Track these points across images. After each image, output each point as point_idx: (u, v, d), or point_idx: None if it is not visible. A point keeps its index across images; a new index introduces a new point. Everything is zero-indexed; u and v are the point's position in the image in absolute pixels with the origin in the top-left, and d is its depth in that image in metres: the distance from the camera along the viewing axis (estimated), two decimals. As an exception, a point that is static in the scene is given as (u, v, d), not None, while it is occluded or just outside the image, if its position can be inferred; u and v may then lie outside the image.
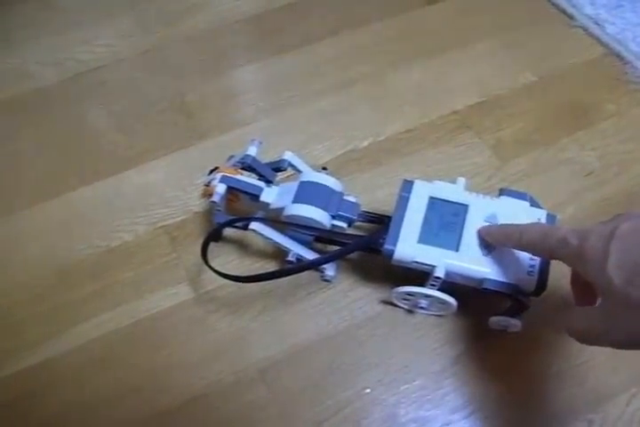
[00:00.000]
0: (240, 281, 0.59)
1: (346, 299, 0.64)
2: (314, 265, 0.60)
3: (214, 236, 0.61)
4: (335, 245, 0.63)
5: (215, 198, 0.58)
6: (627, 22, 0.84)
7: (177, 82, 0.81)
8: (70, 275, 0.65)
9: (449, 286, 0.57)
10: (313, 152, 0.73)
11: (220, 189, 0.59)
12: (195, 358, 0.60)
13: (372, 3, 0.88)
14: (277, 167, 0.62)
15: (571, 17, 0.86)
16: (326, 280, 0.64)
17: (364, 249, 0.60)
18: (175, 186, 0.71)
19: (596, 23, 0.84)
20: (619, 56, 0.82)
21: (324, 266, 0.62)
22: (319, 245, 0.65)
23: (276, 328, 0.62)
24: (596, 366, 0.60)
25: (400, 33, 0.85)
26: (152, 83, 0.81)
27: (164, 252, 0.67)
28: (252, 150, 0.62)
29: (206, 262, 0.59)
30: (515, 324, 0.59)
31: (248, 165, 0.61)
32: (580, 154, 0.74)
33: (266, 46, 0.84)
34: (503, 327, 0.61)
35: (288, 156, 0.62)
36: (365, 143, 0.74)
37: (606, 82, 0.80)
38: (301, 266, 0.58)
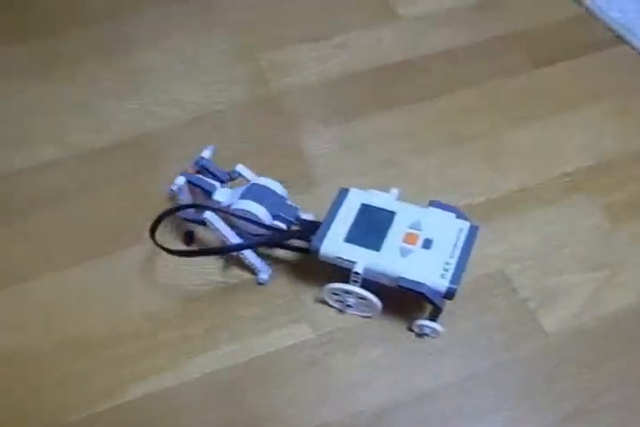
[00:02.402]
0: (173, 254, 0.64)
1: (462, 349, 0.65)
2: (249, 246, 0.65)
3: (166, 215, 0.64)
4: (278, 248, 0.69)
5: (173, 187, 0.65)
6: None
7: (292, 128, 0.83)
8: (189, 309, 0.68)
9: (376, 287, 0.62)
10: (426, 203, 0.72)
11: (180, 180, 0.66)
12: (308, 399, 0.62)
13: (485, 65, 0.89)
14: (229, 175, 0.69)
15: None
16: (260, 284, 0.68)
17: (294, 238, 0.65)
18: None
19: None
20: None
21: (259, 269, 0.67)
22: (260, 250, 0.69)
23: (393, 373, 0.63)
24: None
25: (512, 94, 0.86)
26: (267, 127, 0.83)
27: (283, 291, 0.69)
28: (206, 153, 0.69)
29: (152, 238, 0.64)
30: (435, 328, 0.62)
31: (201, 166, 0.68)
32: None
33: (381, 100, 0.85)
34: (425, 332, 0.64)
35: (239, 168, 0.68)
36: (480, 199, 0.75)
37: None
38: (236, 246, 0.64)
